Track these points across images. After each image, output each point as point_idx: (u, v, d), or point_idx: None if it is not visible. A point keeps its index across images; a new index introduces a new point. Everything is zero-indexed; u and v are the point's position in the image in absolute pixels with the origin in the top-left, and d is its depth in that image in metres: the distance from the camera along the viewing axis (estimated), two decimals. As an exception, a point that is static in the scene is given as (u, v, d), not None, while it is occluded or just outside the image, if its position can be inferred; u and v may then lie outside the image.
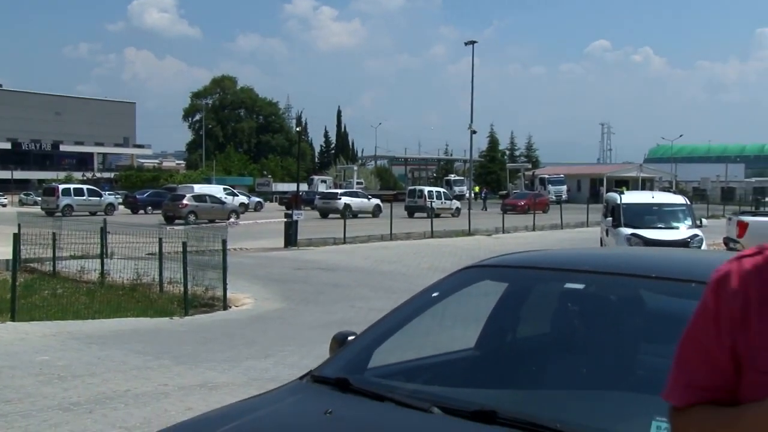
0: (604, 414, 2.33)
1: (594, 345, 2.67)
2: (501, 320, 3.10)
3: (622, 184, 61.81)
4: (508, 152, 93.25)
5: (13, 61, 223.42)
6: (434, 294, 3.16)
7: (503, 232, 31.20)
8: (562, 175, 68.57)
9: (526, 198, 48.00)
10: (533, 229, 33.11)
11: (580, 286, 2.79)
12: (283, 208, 38.70)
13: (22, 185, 73.85)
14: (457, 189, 67.41)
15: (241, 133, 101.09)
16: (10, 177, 77.16)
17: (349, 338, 3.05)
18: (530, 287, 3.12)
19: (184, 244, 12.78)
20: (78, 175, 77.78)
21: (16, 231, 15.34)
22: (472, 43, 57.90)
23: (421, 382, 2.86)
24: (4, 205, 52.93)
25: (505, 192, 65.80)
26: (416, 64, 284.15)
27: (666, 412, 2.17)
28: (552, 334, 2.89)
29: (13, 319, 10.37)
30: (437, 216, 43.96)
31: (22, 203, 56.95)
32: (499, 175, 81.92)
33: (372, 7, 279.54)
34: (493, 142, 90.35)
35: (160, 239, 14.29)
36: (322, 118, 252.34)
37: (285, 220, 25.14)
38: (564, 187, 64.71)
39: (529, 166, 76.98)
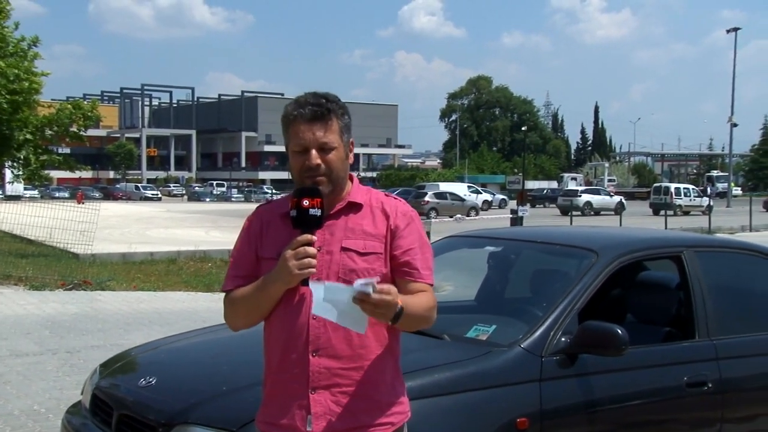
0: (455, 326, 3.26)
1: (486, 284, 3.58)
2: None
3: None
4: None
5: (297, 72, 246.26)
6: None
7: (750, 231, 29.31)
8: None
9: (793, 195, 44.10)
10: (786, 228, 30.67)
11: (498, 248, 3.70)
12: (527, 205, 39.57)
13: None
14: (720, 186, 63.54)
15: (495, 132, 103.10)
16: (287, 177, 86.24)
17: None
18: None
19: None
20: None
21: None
22: (735, 30, 54.48)
23: None
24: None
25: (775, 189, 60.70)
26: (692, 53, 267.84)
27: (483, 321, 3.11)
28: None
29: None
30: (686, 214, 42.11)
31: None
32: (774, 171, 75.46)
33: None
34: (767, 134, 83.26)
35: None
36: (580, 113, 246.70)
37: (511, 216, 26.03)
38: None
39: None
